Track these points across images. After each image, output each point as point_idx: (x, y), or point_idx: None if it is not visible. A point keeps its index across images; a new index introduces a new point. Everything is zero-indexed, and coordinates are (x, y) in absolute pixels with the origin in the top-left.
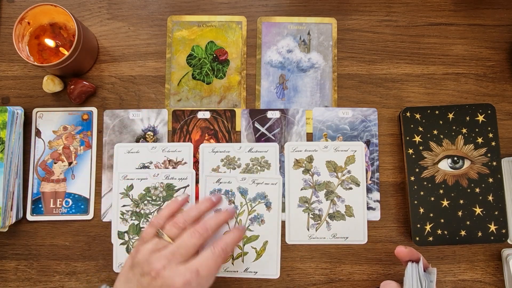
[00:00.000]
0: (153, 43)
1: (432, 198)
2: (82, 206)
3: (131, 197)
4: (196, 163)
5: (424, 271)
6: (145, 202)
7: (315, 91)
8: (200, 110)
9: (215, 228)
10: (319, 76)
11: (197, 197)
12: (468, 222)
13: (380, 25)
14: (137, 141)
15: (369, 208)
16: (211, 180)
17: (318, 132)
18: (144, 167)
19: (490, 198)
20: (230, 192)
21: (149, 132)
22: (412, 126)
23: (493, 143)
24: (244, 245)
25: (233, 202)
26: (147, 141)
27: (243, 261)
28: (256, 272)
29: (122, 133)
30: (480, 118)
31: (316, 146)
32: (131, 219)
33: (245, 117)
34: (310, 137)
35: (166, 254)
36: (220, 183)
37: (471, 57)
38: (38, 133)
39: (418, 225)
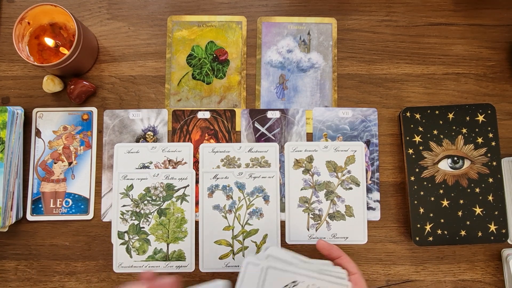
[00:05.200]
0: (153, 43)
1: (432, 198)
2: (82, 206)
3: (131, 197)
4: (196, 163)
5: None
6: (145, 202)
7: (315, 91)
8: (200, 110)
9: None
10: (319, 76)
11: (197, 197)
12: (468, 222)
13: (380, 25)
14: (137, 141)
15: (369, 208)
16: (209, 176)
17: (318, 132)
18: (144, 167)
19: (490, 198)
20: (227, 187)
21: (149, 132)
22: (412, 126)
23: (493, 143)
24: (244, 240)
25: (231, 197)
26: (147, 141)
27: (243, 256)
28: None
29: (122, 133)
30: (480, 118)
31: (316, 146)
32: (131, 219)
33: (245, 117)
34: (310, 137)
35: None
36: (218, 178)
37: (471, 57)
38: (38, 133)
39: (418, 225)
